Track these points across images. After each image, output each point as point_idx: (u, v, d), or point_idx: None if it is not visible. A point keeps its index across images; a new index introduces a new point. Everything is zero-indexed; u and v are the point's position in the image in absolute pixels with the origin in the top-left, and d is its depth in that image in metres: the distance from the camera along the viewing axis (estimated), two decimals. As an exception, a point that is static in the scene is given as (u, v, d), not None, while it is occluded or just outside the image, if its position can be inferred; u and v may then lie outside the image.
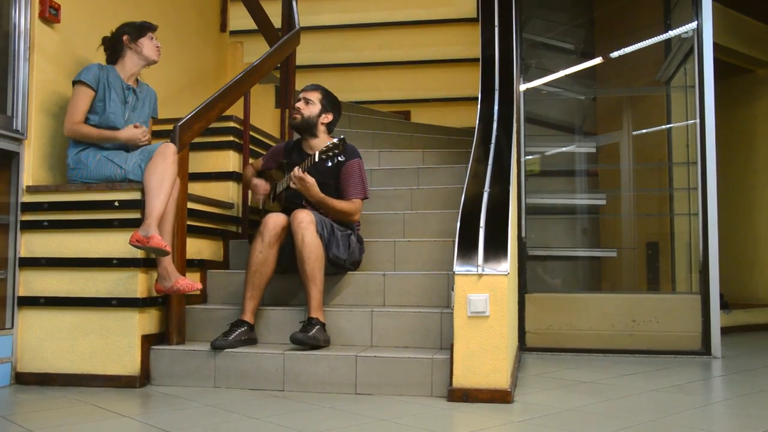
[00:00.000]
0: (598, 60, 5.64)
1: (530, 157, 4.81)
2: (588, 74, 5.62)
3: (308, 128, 3.48)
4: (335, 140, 3.23)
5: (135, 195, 3.10)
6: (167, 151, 3.06)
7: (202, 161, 3.89)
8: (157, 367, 3.06)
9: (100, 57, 3.42)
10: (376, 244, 3.64)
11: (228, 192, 3.91)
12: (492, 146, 3.47)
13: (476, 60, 4.09)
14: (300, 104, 3.48)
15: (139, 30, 3.36)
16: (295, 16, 4.66)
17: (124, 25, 3.38)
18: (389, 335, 3.11)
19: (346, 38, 6.69)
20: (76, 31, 3.47)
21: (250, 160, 3.91)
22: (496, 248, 2.80)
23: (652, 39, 5.17)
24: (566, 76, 5.36)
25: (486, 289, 2.72)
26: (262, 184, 3.61)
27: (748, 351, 4.44)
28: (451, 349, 2.74)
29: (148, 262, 3.08)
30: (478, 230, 2.88)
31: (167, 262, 3.00)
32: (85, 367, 3.06)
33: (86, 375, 3.05)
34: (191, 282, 3.01)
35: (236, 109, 3.78)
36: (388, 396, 2.82)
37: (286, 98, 4.65)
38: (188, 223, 3.30)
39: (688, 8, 4.37)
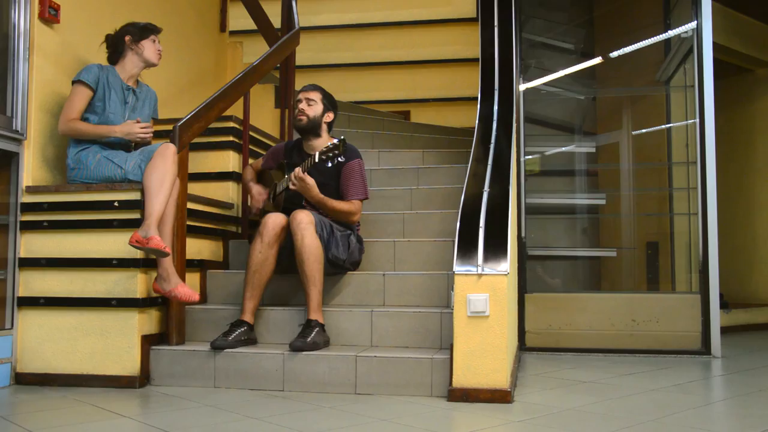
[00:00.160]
0: (597, 60, 5.64)
1: (530, 156, 4.81)
2: (588, 74, 5.62)
3: (313, 129, 3.48)
4: (336, 141, 3.23)
5: (135, 195, 3.10)
6: (167, 152, 3.06)
7: (202, 161, 3.88)
8: (157, 368, 3.06)
9: (100, 57, 3.42)
10: (375, 244, 3.64)
11: (228, 192, 3.91)
12: (492, 146, 3.47)
13: (476, 60, 4.10)
14: (303, 105, 3.47)
15: (142, 31, 3.36)
16: (295, 16, 4.66)
17: (128, 25, 3.37)
18: (389, 335, 3.11)
19: (346, 38, 6.69)
20: (76, 32, 3.47)
21: (250, 161, 3.91)
22: (495, 248, 2.80)
23: (652, 39, 5.17)
24: (566, 75, 5.36)
25: (486, 288, 2.72)
26: (258, 195, 3.60)
27: (747, 350, 4.45)
28: (451, 349, 2.74)
29: (148, 263, 3.08)
30: (478, 230, 2.88)
31: (168, 264, 3.00)
32: (85, 367, 3.06)
33: (86, 375, 3.05)
34: (191, 292, 3.00)
35: (236, 109, 3.78)
36: (388, 396, 2.82)
37: (285, 98, 4.65)
38: (188, 223, 3.31)
39: (688, 8, 4.37)
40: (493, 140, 3.51)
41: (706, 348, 4.03)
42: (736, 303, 5.79)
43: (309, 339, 2.96)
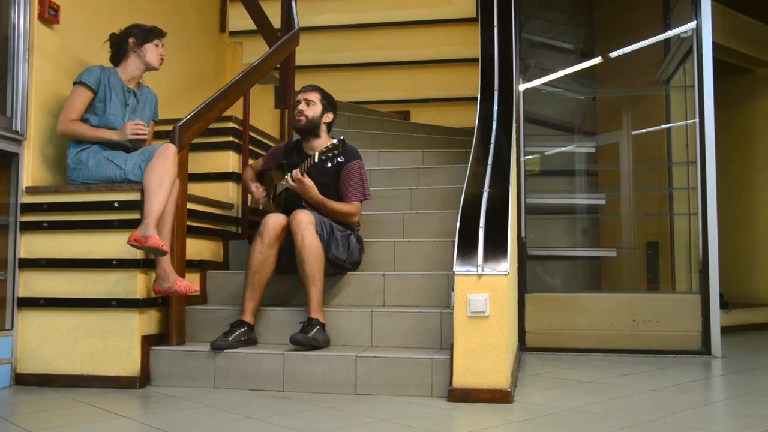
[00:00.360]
0: (597, 60, 5.64)
1: (530, 156, 4.81)
2: (587, 74, 5.62)
3: (312, 129, 3.48)
4: (335, 141, 3.23)
5: (135, 196, 3.10)
6: (167, 152, 3.06)
7: (202, 162, 3.89)
8: (157, 368, 3.06)
9: (100, 58, 3.42)
10: (375, 244, 3.64)
11: (228, 192, 3.91)
12: (491, 146, 3.47)
13: (475, 60, 4.10)
14: (302, 106, 3.46)
15: (146, 34, 3.35)
16: (295, 16, 4.66)
17: (132, 27, 3.36)
18: (389, 335, 3.11)
19: (346, 38, 6.69)
20: (76, 32, 3.47)
21: (250, 161, 3.91)
22: (495, 248, 2.80)
23: (652, 39, 5.17)
24: (566, 76, 5.36)
25: (486, 289, 2.72)
26: (258, 193, 3.61)
27: (747, 350, 4.45)
28: (451, 349, 2.74)
29: (148, 263, 3.08)
30: (478, 230, 2.88)
31: (166, 263, 3.00)
32: (85, 368, 3.06)
33: (86, 376, 3.05)
34: (189, 284, 3.01)
35: (236, 110, 3.78)
36: (388, 396, 2.82)
37: (285, 99, 4.65)
38: (188, 223, 3.31)
39: (688, 8, 4.37)
40: (492, 140, 3.51)
41: (706, 348, 4.03)
42: (736, 303, 5.78)
43: (310, 334, 2.97)
